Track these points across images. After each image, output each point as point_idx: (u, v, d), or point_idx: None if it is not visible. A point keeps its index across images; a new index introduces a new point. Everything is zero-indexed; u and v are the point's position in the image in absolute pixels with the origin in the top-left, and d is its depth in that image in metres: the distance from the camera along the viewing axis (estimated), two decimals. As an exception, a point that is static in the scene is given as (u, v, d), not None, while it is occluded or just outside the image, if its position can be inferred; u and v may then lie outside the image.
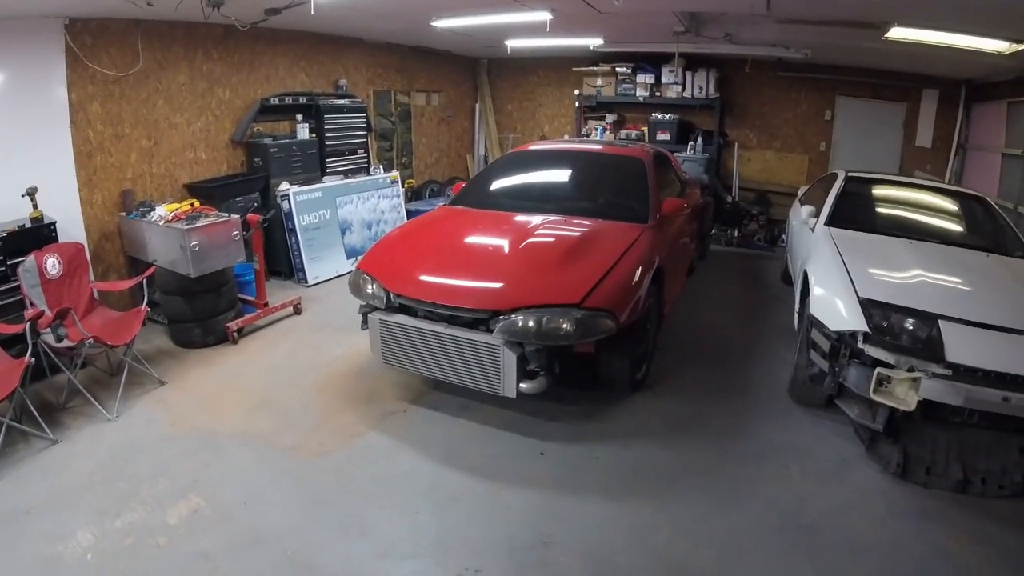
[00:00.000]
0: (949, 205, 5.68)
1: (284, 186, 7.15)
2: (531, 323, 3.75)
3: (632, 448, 3.95)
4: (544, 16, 6.08)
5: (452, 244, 4.66)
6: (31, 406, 3.96)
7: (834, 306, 3.96)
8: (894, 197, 5.97)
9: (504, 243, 4.48)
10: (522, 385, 3.84)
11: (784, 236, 8.24)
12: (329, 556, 3.00)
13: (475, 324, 3.93)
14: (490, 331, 3.83)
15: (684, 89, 9.75)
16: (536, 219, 4.88)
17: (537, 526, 3.22)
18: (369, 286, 4.32)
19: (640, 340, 4.46)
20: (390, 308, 4.22)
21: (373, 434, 4.09)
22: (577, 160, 6.12)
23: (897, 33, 5.33)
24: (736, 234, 9.62)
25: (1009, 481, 3.53)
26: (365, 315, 4.37)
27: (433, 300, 4.03)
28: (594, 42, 8.59)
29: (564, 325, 3.75)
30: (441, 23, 6.82)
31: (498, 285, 4.03)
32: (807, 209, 5.60)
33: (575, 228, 4.74)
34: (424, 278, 4.20)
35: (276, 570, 2.92)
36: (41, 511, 3.31)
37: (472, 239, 4.72)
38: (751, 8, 5.35)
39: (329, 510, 3.33)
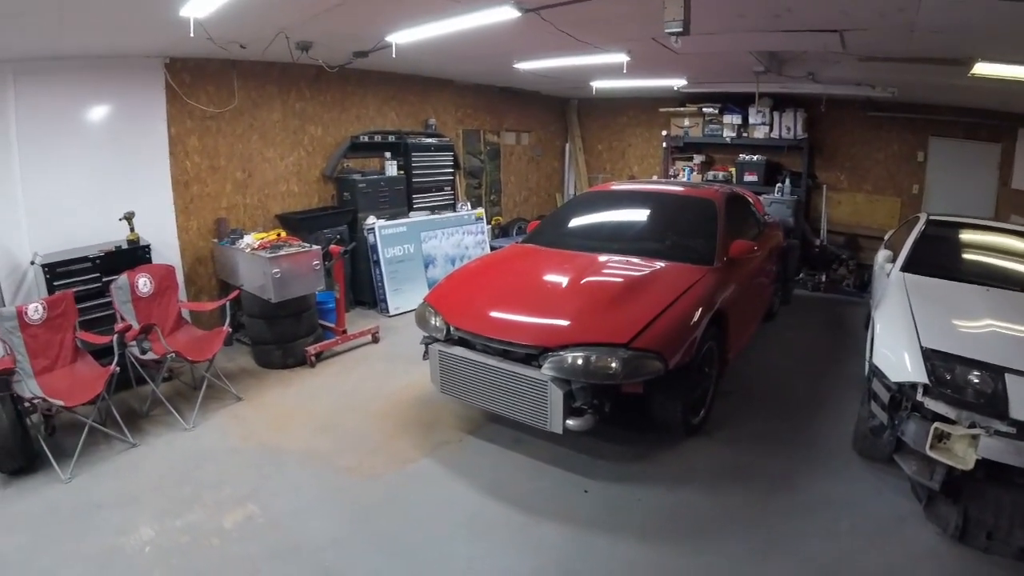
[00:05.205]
0: (1038, 252, 5.32)
1: (371, 220, 7.51)
2: (579, 361, 3.80)
3: (676, 492, 3.91)
4: (621, 57, 6.21)
5: (513, 281, 4.80)
6: (115, 412, 4.39)
7: (896, 356, 3.78)
8: (977, 242, 5.65)
9: (563, 281, 4.56)
10: (569, 422, 3.88)
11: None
12: (361, 571, 3.16)
13: (527, 360, 4.01)
14: (539, 367, 3.92)
15: (771, 130, 9.63)
16: (601, 258, 4.96)
17: (565, 562, 3.25)
18: (433, 319, 4.52)
19: (696, 383, 4.42)
20: (449, 340, 4.38)
21: (426, 461, 4.23)
22: (650, 201, 6.14)
23: (982, 69, 5.09)
24: (824, 279, 9.29)
25: None
26: (427, 346, 4.55)
27: (488, 334, 4.16)
28: (678, 83, 8.63)
29: (611, 364, 3.78)
30: (522, 65, 7.07)
31: (550, 322, 4.12)
32: (884, 254, 5.43)
33: (636, 268, 4.77)
34: (481, 313, 4.35)
35: (310, 578, 3.10)
36: (111, 506, 3.66)
37: (533, 277, 4.84)
38: (825, 47, 5.29)
39: (370, 528, 3.50)
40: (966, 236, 5.72)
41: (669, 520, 3.65)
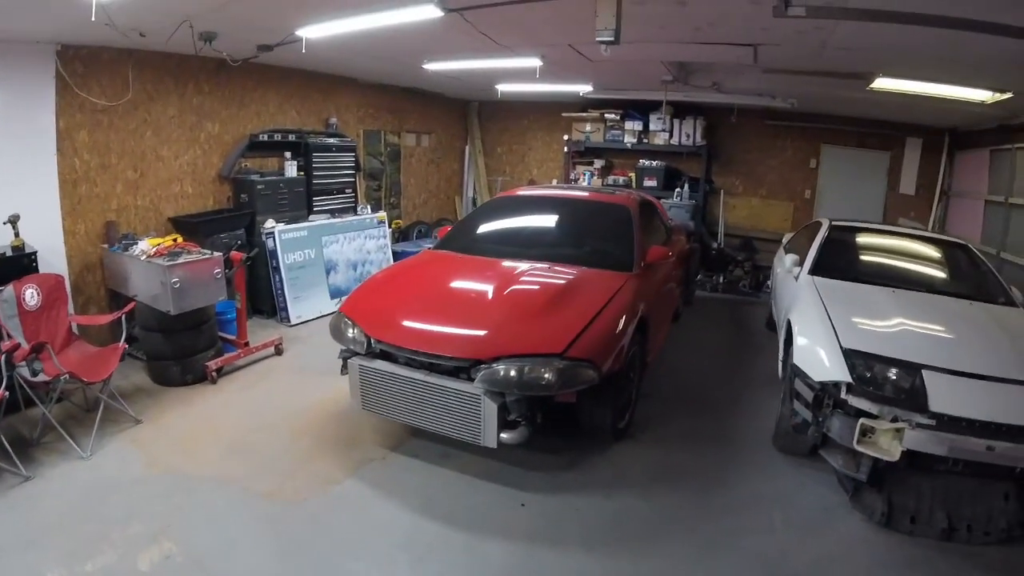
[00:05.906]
0: (932, 253, 5.76)
1: (270, 223, 7.12)
2: (512, 372, 3.71)
3: (613, 498, 3.90)
4: (534, 62, 6.16)
5: (435, 290, 4.63)
6: (4, 441, 3.91)
7: (817, 356, 3.97)
8: (878, 245, 6.04)
9: (487, 290, 4.44)
10: (503, 435, 3.78)
11: (769, 282, 8.29)
12: (300, 611, 2.93)
13: (456, 372, 3.87)
14: (471, 380, 3.79)
15: (672, 136, 9.87)
16: (521, 266, 4.86)
17: (515, 580, 3.17)
18: (350, 330, 4.28)
19: (623, 389, 4.42)
20: (370, 354, 4.17)
21: (350, 481, 4.01)
22: (564, 207, 6.10)
23: (882, 84, 5.46)
24: (722, 280, 9.67)
25: (995, 527, 3.54)
26: (345, 360, 4.31)
27: (414, 347, 3.97)
28: (584, 88, 8.68)
29: (546, 375, 3.71)
30: (432, 66, 6.90)
31: (480, 333, 3.99)
32: (791, 258, 5.64)
33: (559, 276, 4.71)
34: (405, 324, 4.16)
35: (245, 624, 2.85)
36: (10, 551, 3.23)
37: (455, 285, 4.69)
38: (738, 60, 5.45)
39: (303, 560, 3.25)
40: (867, 240, 6.09)
41: (611, 527, 3.64)
